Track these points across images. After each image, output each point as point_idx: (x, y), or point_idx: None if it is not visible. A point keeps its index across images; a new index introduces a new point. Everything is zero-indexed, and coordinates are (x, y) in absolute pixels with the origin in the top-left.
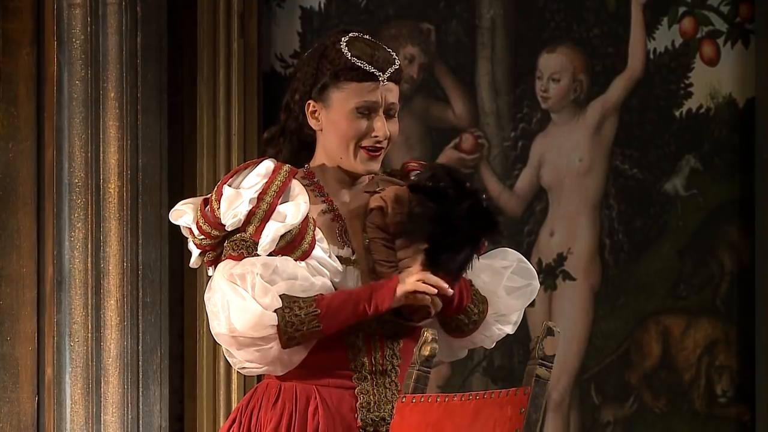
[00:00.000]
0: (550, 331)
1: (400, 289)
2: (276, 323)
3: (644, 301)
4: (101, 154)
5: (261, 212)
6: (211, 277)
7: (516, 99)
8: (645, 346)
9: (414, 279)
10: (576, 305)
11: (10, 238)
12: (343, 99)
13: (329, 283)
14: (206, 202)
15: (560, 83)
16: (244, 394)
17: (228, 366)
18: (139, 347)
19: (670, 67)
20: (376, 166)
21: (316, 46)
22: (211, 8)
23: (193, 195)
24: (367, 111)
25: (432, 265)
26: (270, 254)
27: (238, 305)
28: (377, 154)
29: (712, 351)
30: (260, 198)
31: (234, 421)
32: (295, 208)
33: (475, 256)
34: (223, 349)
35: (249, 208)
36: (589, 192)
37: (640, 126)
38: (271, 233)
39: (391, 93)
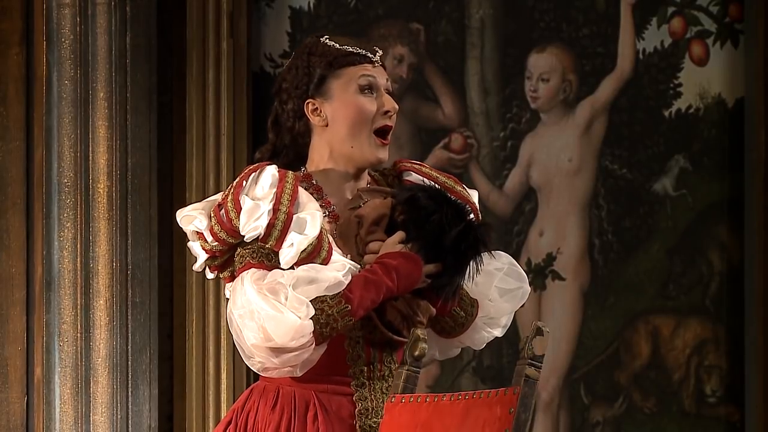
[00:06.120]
0: (539, 331)
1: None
2: (313, 330)
3: (633, 301)
4: (90, 154)
5: (280, 223)
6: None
7: (505, 99)
8: (634, 346)
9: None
10: (565, 305)
11: None
12: (344, 84)
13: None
14: (220, 207)
15: (549, 83)
16: (234, 394)
17: (217, 365)
18: (129, 347)
19: (659, 67)
20: (385, 154)
21: (295, 54)
22: (200, 8)
23: (183, 195)
24: (370, 89)
25: (429, 292)
26: (291, 267)
27: (274, 317)
28: (387, 142)
29: (701, 351)
30: (275, 209)
31: (230, 422)
32: (312, 218)
33: (468, 274)
34: (241, 353)
35: (268, 220)
36: (579, 192)
37: (629, 126)
38: (294, 247)
39: (385, 74)
